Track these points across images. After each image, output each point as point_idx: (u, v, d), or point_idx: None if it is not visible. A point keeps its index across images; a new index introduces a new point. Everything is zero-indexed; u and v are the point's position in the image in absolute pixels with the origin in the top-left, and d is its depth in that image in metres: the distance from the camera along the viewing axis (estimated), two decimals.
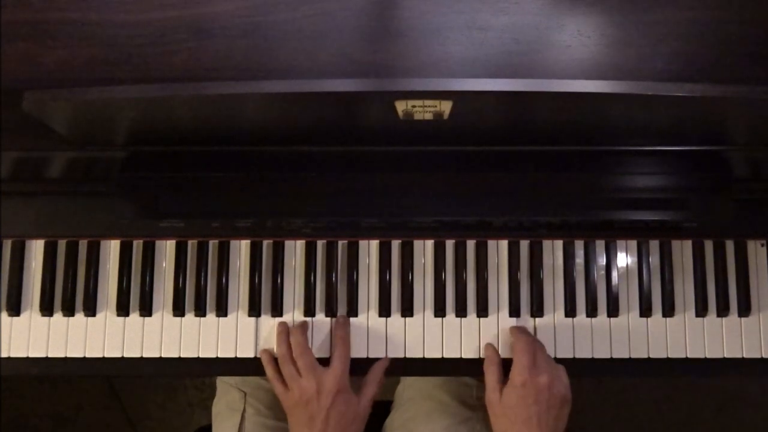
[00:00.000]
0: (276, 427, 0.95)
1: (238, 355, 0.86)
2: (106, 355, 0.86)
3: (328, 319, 0.87)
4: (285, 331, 0.85)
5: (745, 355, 0.86)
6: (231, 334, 0.87)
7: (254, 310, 0.87)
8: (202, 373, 0.89)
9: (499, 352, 0.85)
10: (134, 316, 0.87)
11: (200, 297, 0.87)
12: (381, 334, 0.86)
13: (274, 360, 0.85)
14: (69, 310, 0.87)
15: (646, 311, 0.86)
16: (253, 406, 0.96)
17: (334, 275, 0.87)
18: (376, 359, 0.86)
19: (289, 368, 0.82)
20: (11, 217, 0.86)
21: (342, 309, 0.87)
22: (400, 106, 0.66)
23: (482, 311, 0.86)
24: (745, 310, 0.86)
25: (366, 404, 0.83)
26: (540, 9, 0.76)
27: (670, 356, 0.86)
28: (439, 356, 0.86)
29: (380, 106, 0.67)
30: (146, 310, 0.87)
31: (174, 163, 0.80)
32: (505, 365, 0.83)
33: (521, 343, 0.81)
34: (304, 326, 0.85)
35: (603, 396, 1.59)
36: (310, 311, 0.87)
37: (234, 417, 0.96)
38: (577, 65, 0.75)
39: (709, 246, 0.87)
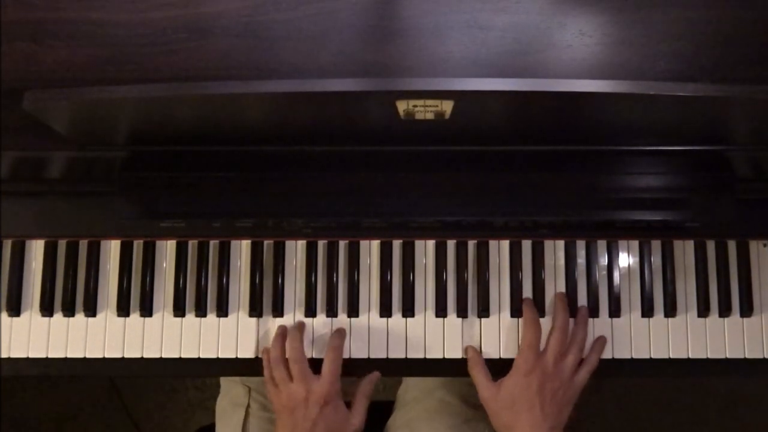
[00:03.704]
0: None
1: (239, 356, 0.86)
2: (106, 356, 0.86)
3: (329, 319, 0.87)
4: (281, 333, 0.85)
5: (747, 356, 0.85)
6: (232, 334, 0.86)
7: (255, 311, 0.86)
8: (203, 373, 0.89)
9: (502, 353, 0.85)
10: (135, 317, 0.87)
11: (201, 297, 0.87)
12: (382, 334, 0.86)
13: None
14: (69, 311, 0.87)
15: (647, 311, 0.86)
16: (257, 401, 0.96)
17: (335, 275, 0.87)
18: (377, 360, 0.86)
19: (281, 371, 0.82)
20: (11, 217, 0.86)
21: (343, 309, 0.87)
22: (401, 106, 0.66)
23: (483, 311, 0.86)
24: (747, 310, 0.86)
25: (358, 420, 0.82)
26: (541, 8, 0.76)
27: (672, 357, 0.85)
28: (441, 357, 0.86)
29: (381, 105, 0.67)
30: (147, 310, 0.87)
31: (174, 163, 0.80)
32: (505, 366, 0.83)
33: (529, 334, 0.81)
34: (300, 329, 0.85)
35: (605, 396, 1.59)
36: (310, 311, 0.86)
37: (238, 412, 0.96)
38: (578, 65, 0.75)
39: (711, 246, 0.87)
